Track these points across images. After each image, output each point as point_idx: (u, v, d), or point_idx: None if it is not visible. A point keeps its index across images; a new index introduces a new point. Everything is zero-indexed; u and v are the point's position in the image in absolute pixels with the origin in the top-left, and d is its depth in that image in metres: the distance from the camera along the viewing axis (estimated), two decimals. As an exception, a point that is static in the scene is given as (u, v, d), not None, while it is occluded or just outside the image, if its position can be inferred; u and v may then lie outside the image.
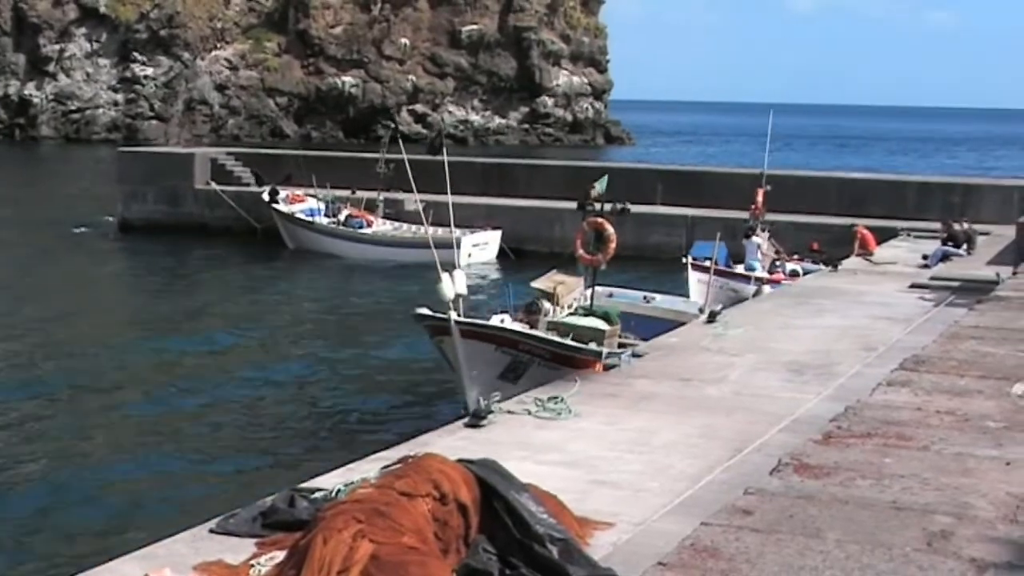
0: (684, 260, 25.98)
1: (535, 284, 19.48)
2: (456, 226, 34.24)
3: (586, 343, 16.19)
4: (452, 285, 16.45)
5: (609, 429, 11.93)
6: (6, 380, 21.68)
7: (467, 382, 16.52)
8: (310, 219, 39.00)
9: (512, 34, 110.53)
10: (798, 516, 5.09)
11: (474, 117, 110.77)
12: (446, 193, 18.69)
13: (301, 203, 39.74)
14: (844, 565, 4.51)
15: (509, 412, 12.43)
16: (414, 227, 37.05)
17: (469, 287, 17.95)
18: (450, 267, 17.10)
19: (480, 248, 36.13)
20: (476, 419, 11.91)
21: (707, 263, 24.69)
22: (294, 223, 39.20)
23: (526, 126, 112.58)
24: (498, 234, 37.00)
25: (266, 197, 39.66)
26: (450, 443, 10.92)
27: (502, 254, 36.87)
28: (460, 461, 8.08)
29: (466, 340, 16.35)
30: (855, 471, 5.75)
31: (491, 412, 12.09)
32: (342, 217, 38.60)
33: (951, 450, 6.40)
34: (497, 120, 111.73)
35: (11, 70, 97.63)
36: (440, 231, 33.07)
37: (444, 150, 19.14)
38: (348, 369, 23.02)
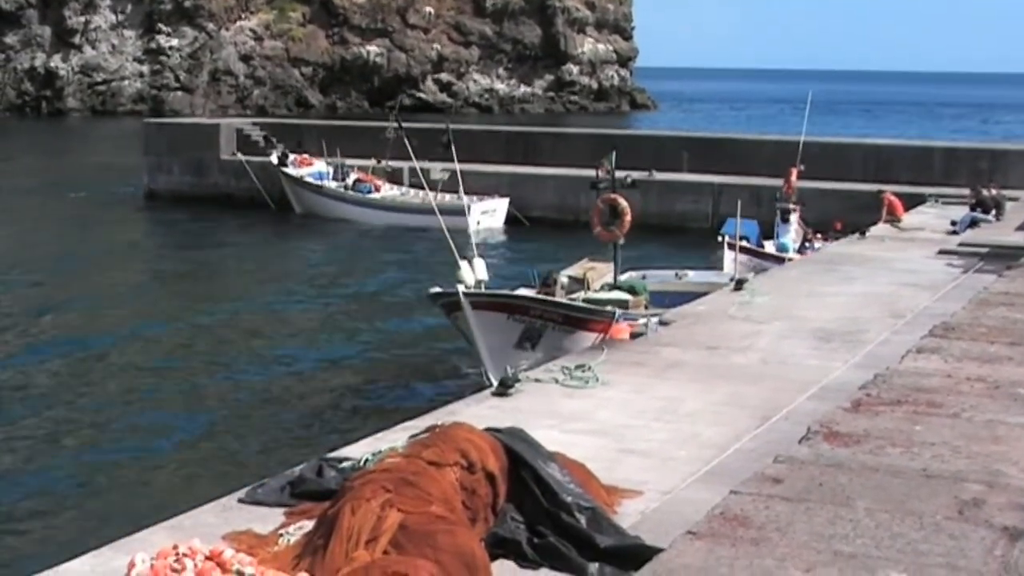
0: (719, 239, 25.78)
1: (566, 272, 19.57)
2: (476, 194, 34.43)
3: None
4: (472, 272, 16.71)
5: (636, 397, 11.91)
6: (29, 345, 21.83)
7: (484, 353, 16.65)
8: (318, 183, 39.28)
9: (537, 1, 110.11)
10: (828, 484, 5.06)
11: (499, 85, 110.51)
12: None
13: (309, 167, 40.05)
14: (874, 534, 4.48)
15: (536, 380, 12.42)
16: (422, 192, 37.26)
17: (479, 251, 18.12)
18: (469, 254, 17.29)
19: (489, 215, 36.26)
20: (503, 388, 11.91)
21: (741, 242, 24.57)
22: (302, 187, 39.49)
23: (551, 94, 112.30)
24: (506, 201, 37.10)
25: (275, 160, 40.08)
26: (477, 412, 10.92)
27: (515, 221, 36.87)
28: (487, 430, 8.08)
29: (478, 312, 16.49)
30: (885, 439, 5.71)
31: (518, 381, 12.09)
32: (350, 181, 38.91)
33: (982, 417, 6.35)
34: (522, 88, 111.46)
35: (37, 42, 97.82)
36: (448, 197, 33.24)
37: (453, 147, 19.39)
38: (372, 339, 23.06)
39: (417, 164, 38.36)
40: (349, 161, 39.72)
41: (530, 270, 19.75)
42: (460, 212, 22.62)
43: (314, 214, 38.85)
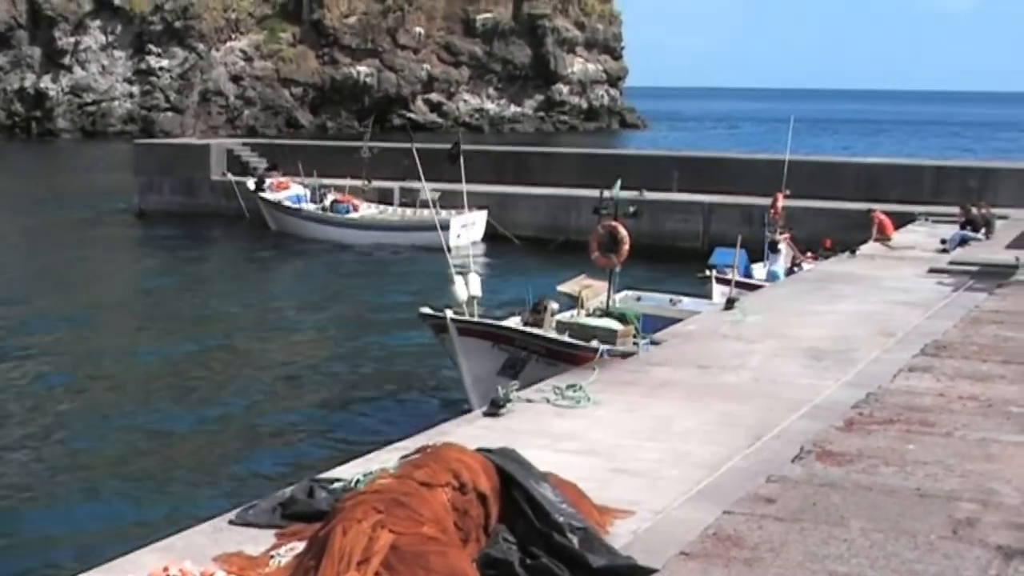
0: (707, 273, 25.62)
1: (561, 287, 19.57)
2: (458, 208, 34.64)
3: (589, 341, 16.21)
4: (466, 288, 16.82)
5: (628, 417, 11.87)
6: (13, 362, 21.75)
7: (467, 379, 16.79)
8: (296, 206, 39.52)
9: (526, 22, 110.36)
10: (821, 504, 5.04)
11: (489, 105, 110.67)
12: (458, 182, 18.86)
13: (286, 190, 40.30)
14: (869, 553, 4.46)
15: (528, 400, 12.38)
16: (400, 209, 37.96)
17: (458, 267, 18.19)
18: (464, 270, 17.36)
19: (468, 228, 36.32)
20: (494, 407, 11.87)
21: (729, 273, 24.52)
22: (281, 210, 39.72)
23: (541, 114, 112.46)
24: (484, 214, 37.20)
25: (252, 186, 40.36)
26: (469, 432, 10.89)
27: (505, 239, 36.93)
28: (479, 450, 8.05)
29: (463, 338, 16.59)
30: (878, 458, 5.70)
31: (509, 400, 12.05)
32: (327, 202, 39.12)
33: (975, 436, 6.34)
34: (512, 108, 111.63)
35: (27, 63, 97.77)
36: (426, 212, 33.21)
37: (461, 159, 19.41)
38: (360, 358, 23.00)
39: (406, 184, 38.81)
40: (329, 181, 39.92)
41: (526, 293, 19.71)
42: (441, 227, 22.64)
43: (293, 235, 38.99)
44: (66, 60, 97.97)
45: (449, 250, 20.79)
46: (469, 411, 13.36)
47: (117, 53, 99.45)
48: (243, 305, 29.26)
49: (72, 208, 46.53)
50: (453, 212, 35.16)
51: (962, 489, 5.37)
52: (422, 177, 21.79)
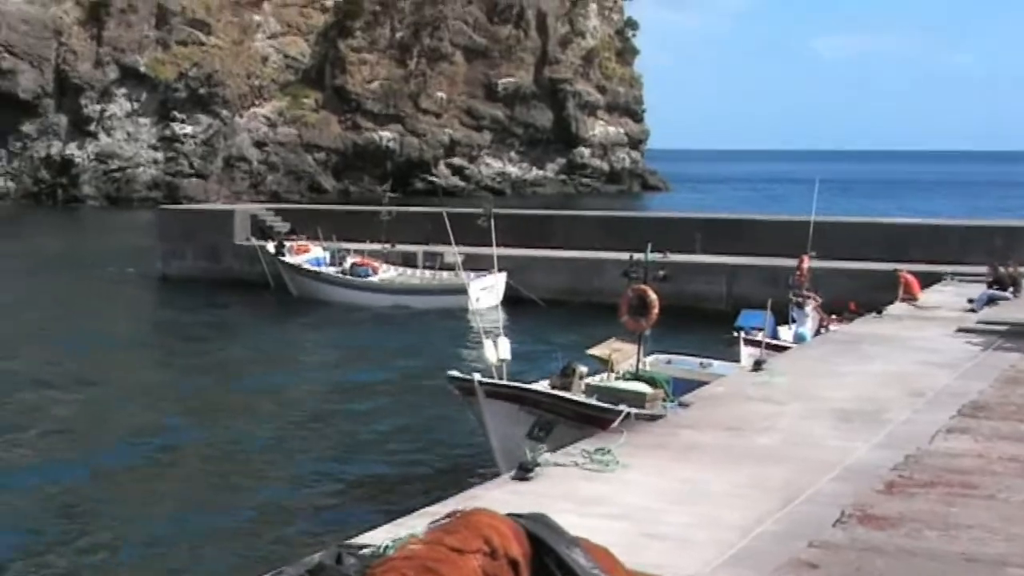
0: (735, 334, 25.47)
1: (591, 351, 19.48)
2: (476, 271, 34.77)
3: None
4: (496, 351, 16.80)
5: (657, 480, 11.72)
6: (36, 421, 21.69)
7: (495, 442, 16.68)
8: (316, 269, 39.74)
9: (548, 86, 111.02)
10: (865, 569, 4.90)
11: (511, 169, 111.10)
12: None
13: (306, 253, 40.53)
14: (916, 620, 4.31)
15: (556, 464, 12.24)
16: (420, 272, 38.08)
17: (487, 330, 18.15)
18: (494, 334, 17.34)
19: (487, 291, 36.25)
20: (523, 472, 11.73)
21: (757, 335, 24.36)
22: (301, 274, 39.92)
23: (564, 177, 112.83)
24: (503, 276, 37.09)
25: (272, 250, 40.62)
26: (498, 496, 10.74)
27: (528, 301, 36.88)
28: (509, 515, 7.91)
29: (492, 400, 16.51)
30: (921, 521, 5.55)
31: (538, 464, 11.91)
32: (347, 265, 39.29)
33: (1018, 498, 6.19)
34: (535, 171, 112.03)
35: (53, 131, 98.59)
36: (446, 275, 33.10)
37: (492, 224, 19.47)
38: (384, 423, 22.85)
39: (430, 247, 38.92)
40: (350, 244, 40.09)
41: (553, 356, 19.59)
42: (460, 291, 22.65)
43: (316, 299, 39.03)
44: (92, 127, 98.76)
45: (470, 313, 20.78)
46: (497, 475, 13.21)
47: (142, 120, 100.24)
48: (264, 370, 29.19)
49: (96, 272, 46.69)
50: (472, 275, 35.15)
51: (1009, 553, 5.21)
52: (452, 240, 21.81)
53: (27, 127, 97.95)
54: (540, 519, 8.57)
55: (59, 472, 19.10)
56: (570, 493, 11.17)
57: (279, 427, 22.60)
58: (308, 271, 39.75)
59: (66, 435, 21.82)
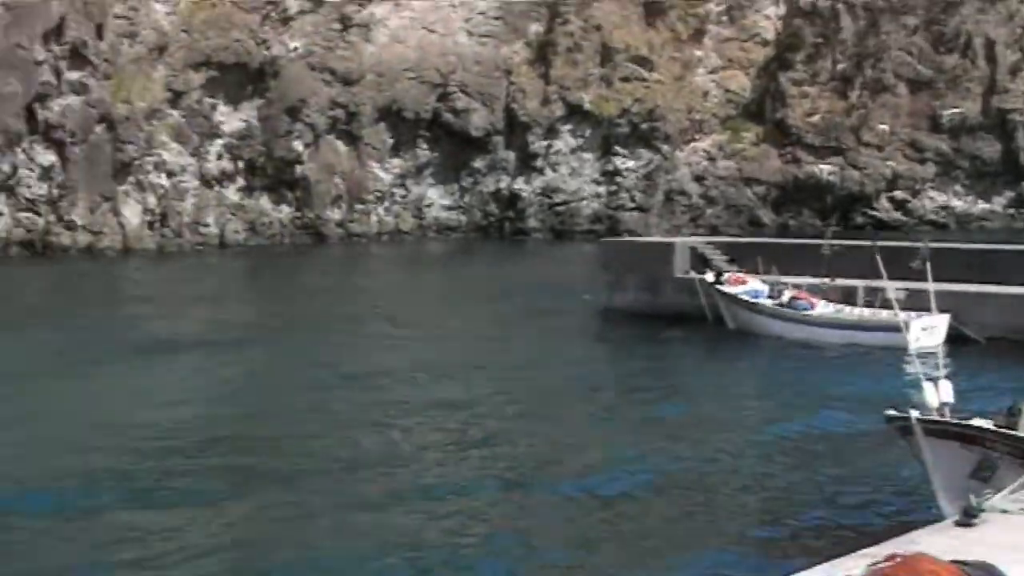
0: None
1: None
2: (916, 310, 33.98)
3: None
4: (936, 393, 16.49)
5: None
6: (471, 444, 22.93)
7: (936, 482, 16.23)
8: (753, 300, 40.13)
9: (996, 116, 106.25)
10: None
11: (956, 202, 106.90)
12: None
13: (743, 284, 40.93)
14: None
15: (1003, 511, 11.86)
16: (858, 309, 37.97)
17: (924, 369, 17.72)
18: (935, 376, 17.01)
19: (928, 332, 35.04)
20: (967, 517, 11.47)
21: None
22: (736, 303, 40.44)
23: (1012, 211, 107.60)
24: (946, 317, 35.66)
25: (710, 279, 41.37)
26: (940, 542, 10.55)
27: (961, 338, 35.53)
28: (954, 562, 7.83)
29: (930, 439, 16.11)
30: None
31: (983, 511, 11.60)
32: (785, 298, 39.45)
33: None
34: (980, 205, 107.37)
35: (502, 167, 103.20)
36: (885, 313, 32.27)
37: (928, 268, 19.23)
38: (826, 461, 22.69)
39: (871, 283, 38.23)
40: (788, 279, 40.26)
41: (998, 399, 18.90)
42: (899, 329, 22.14)
43: (747, 330, 39.52)
44: (538, 163, 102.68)
45: (909, 353, 20.30)
46: (939, 518, 12.93)
47: (585, 155, 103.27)
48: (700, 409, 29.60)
49: (539, 301, 48.71)
50: (913, 314, 34.20)
51: None
52: (884, 275, 21.50)
53: (477, 163, 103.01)
54: (988, 569, 8.49)
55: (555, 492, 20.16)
56: (1020, 543, 10.80)
57: (700, 459, 22.86)
58: (745, 302, 40.21)
59: (535, 460, 22.97)
